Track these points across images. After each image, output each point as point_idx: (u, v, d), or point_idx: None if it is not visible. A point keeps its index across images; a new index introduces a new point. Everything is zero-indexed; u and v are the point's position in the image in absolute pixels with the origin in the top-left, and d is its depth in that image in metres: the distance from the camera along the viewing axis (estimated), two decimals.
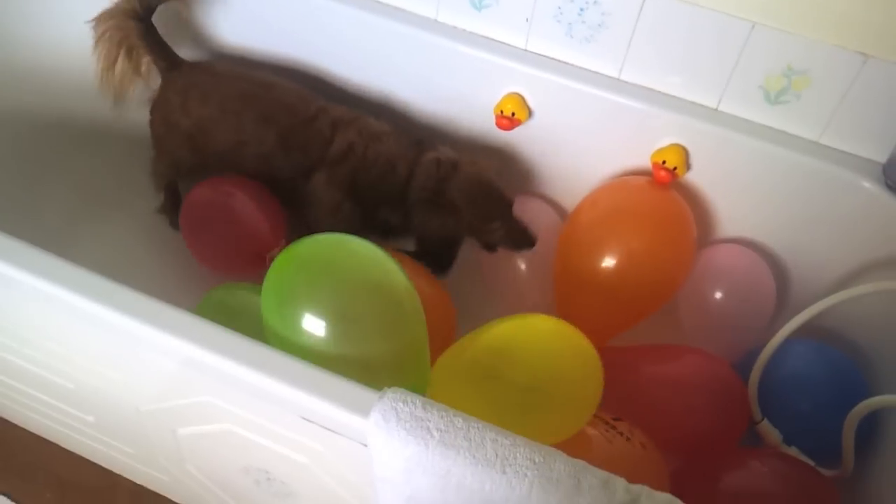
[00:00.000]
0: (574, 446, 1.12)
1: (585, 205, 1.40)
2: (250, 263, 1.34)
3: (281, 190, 1.38)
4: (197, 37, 1.57)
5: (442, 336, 1.21)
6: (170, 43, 1.44)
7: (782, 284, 1.42)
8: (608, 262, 1.30)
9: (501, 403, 1.03)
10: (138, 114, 1.48)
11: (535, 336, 1.11)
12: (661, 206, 1.34)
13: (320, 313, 1.00)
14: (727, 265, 1.38)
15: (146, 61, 1.44)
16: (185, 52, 1.49)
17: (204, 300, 1.24)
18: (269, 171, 1.37)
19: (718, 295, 1.33)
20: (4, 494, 1.35)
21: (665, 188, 1.34)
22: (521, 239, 1.33)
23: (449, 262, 1.43)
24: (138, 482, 1.38)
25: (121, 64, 1.42)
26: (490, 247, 1.36)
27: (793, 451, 1.18)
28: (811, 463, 1.16)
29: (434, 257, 1.40)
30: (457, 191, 1.29)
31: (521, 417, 1.02)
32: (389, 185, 1.33)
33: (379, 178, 1.33)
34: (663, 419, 1.20)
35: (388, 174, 1.33)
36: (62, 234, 1.45)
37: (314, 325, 0.99)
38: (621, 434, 1.12)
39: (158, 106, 1.43)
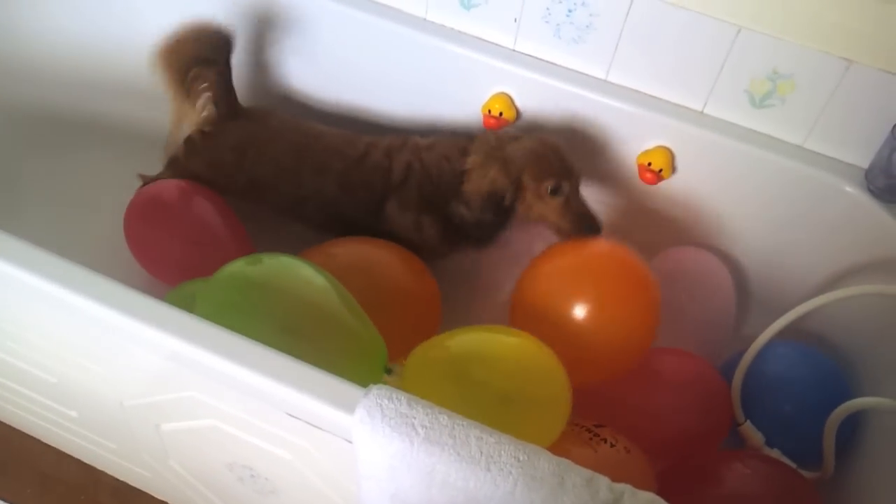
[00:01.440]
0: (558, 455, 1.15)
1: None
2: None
3: (355, 229, 1.33)
4: None
5: (426, 327, 1.22)
6: None
7: (764, 287, 1.44)
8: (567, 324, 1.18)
9: (474, 407, 1.01)
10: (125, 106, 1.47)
11: (509, 349, 1.11)
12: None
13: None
14: (683, 268, 1.39)
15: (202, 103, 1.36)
16: None
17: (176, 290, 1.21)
18: (337, 216, 1.35)
19: (681, 297, 1.34)
20: None
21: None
22: (584, 220, 1.25)
23: (492, 233, 1.34)
24: (120, 478, 1.37)
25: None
26: (553, 224, 1.27)
27: (775, 453, 1.20)
28: (793, 465, 1.17)
29: (480, 227, 1.33)
30: (519, 148, 1.26)
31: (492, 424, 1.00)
32: (449, 178, 1.30)
33: (439, 177, 1.31)
34: (646, 420, 1.20)
35: (446, 169, 1.30)
36: (46, 227, 1.43)
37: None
38: (605, 441, 1.11)
39: (205, 150, 1.36)
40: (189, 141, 1.36)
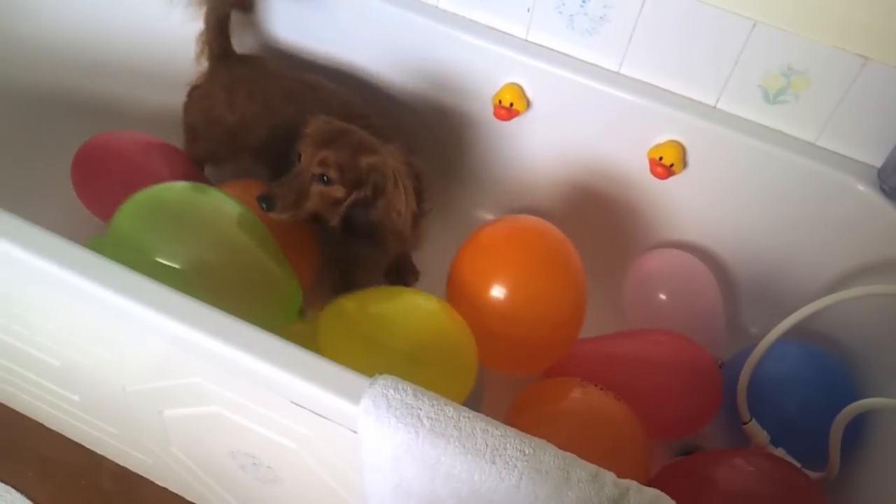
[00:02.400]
0: (549, 391, 1.18)
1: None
2: None
3: None
4: None
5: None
6: None
7: (772, 285, 1.43)
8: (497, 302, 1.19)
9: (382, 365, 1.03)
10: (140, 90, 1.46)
11: (418, 310, 1.15)
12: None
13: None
14: (667, 269, 1.39)
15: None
16: None
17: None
18: None
19: (663, 297, 1.35)
20: None
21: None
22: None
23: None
24: (121, 463, 1.37)
25: None
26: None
27: (780, 452, 1.19)
28: (797, 464, 1.16)
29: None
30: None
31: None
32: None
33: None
34: (635, 398, 1.19)
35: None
36: (54, 209, 1.42)
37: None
38: (595, 386, 1.16)
39: (200, 97, 1.40)
40: (188, 95, 1.41)
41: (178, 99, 1.44)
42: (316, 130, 1.17)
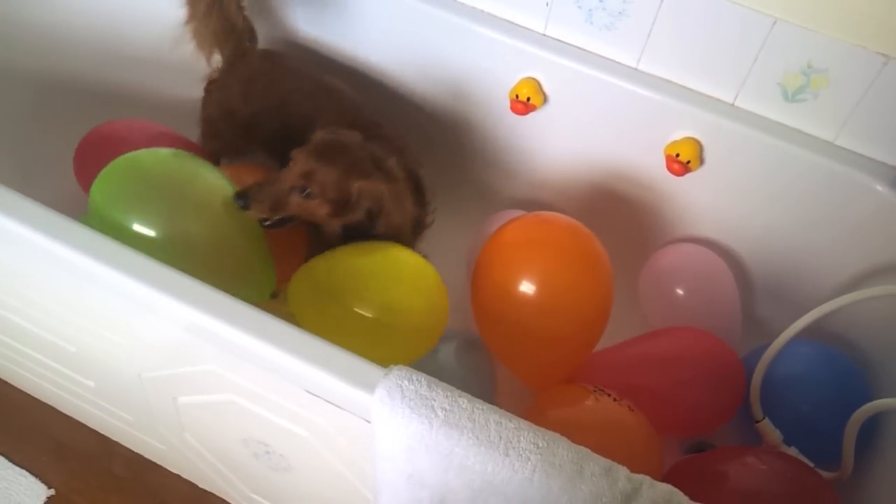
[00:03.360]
0: (560, 399, 1.18)
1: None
2: None
3: None
4: None
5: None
6: None
7: (788, 284, 1.42)
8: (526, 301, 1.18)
9: (347, 330, 1.08)
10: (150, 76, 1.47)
11: (384, 263, 1.15)
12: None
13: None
14: (684, 264, 1.39)
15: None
16: None
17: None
18: None
19: (680, 292, 1.35)
20: (2, 455, 1.35)
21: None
22: None
23: None
24: (135, 450, 1.38)
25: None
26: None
27: (793, 452, 1.18)
28: (810, 464, 1.15)
29: None
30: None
31: (367, 346, 1.01)
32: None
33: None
34: (657, 397, 1.21)
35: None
36: (68, 195, 1.43)
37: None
38: (608, 395, 1.15)
39: (217, 90, 1.41)
40: (205, 89, 1.41)
41: (188, 89, 1.44)
42: (317, 140, 1.15)
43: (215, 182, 1.15)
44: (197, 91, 1.43)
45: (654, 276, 1.39)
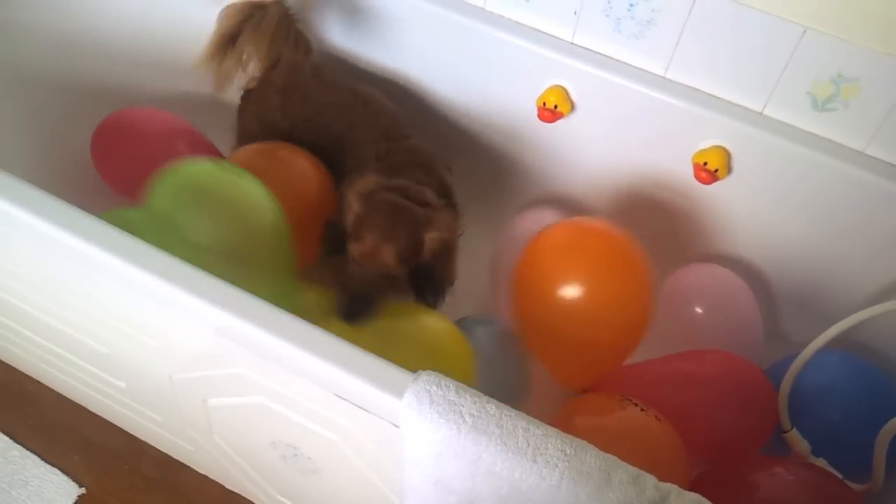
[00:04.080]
0: (587, 408, 1.18)
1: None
2: None
3: None
4: None
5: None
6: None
7: (816, 294, 1.41)
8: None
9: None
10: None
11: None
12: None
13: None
14: (702, 284, 1.38)
15: (249, 50, 1.41)
16: None
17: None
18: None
19: (699, 311, 1.34)
20: (35, 453, 1.37)
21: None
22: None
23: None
24: (163, 450, 1.40)
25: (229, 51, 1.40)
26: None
27: (821, 463, 1.17)
28: (839, 475, 1.14)
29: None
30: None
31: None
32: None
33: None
34: (688, 419, 1.19)
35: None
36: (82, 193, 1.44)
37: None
38: (636, 405, 1.14)
39: (255, 101, 1.42)
40: (242, 98, 1.43)
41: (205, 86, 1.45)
42: (370, 213, 1.11)
43: (261, 199, 1.17)
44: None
45: (672, 294, 1.38)
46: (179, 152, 1.40)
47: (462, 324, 1.23)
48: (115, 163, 1.45)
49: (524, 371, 1.27)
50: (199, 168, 1.17)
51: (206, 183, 1.15)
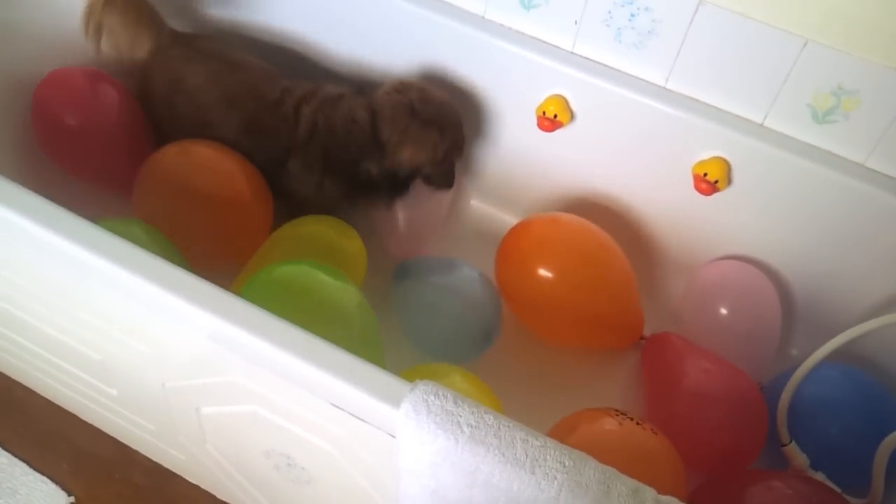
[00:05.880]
0: (583, 423, 1.16)
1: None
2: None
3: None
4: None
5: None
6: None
7: (815, 307, 1.40)
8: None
9: None
10: None
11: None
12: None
13: None
14: (728, 280, 1.38)
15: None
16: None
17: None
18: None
19: (724, 311, 1.33)
20: (23, 461, 1.35)
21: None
22: (451, 178, 1.41)
23: (404, 188, 1.41)
24: (155, 459, 1.38)
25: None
26: (429, 179, 1.40)
27: (820, 477, 1.16)
28: (838, 490, 1.13)
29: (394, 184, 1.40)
30: (437, 120, 1.34)
31: None
32: (359, 138, 1.34)
33: (347, 138, 1.34)
34: (685, 429, 1.20)
35: (354, 129, 1.34)
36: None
37: None
38: (631, 419, 1.14)
39: (139, 80, 1.43)
40: (135, 77, 1.43)
41: None
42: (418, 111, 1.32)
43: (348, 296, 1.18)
44: None
45: (698, 290, 1.38)
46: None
47: (450, 263, 1.37)
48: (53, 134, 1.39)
49: (498, 312, 1.35)
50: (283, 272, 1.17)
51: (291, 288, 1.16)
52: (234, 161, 1.33)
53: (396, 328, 1.33)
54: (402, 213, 1.43)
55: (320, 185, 1.36)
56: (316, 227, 1.33)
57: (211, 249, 1.31)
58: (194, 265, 1.14)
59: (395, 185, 1.38)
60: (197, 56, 1.40)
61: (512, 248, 1.36)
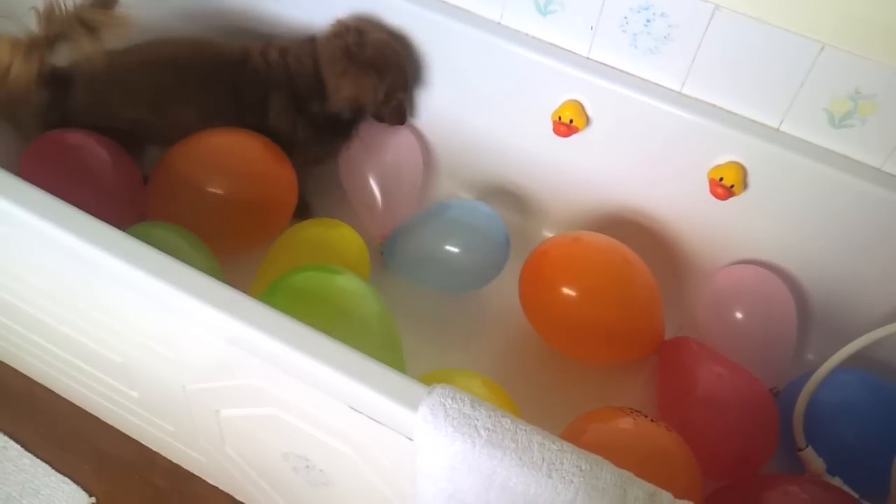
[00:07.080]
0: (599, 421, 1.17)
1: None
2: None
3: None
4: None
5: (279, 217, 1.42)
6: None
7: (831, 312, 1.40)
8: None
9: None
10: None
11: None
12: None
13: None
14: (745, 285, 1.38)
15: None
16: None
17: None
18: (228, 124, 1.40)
19: (740, 316, 1.34)
20: (46, 462, 1.37)
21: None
22: (402, 116, 1.48)
23: (350, 128, 1.48)
24: (174, 461, 1.40)
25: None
26: (380, 118, 1.47)
27: (836, 482, 1.16)
28: (855, 495, 1.13)
29: (344, 127, 1.47)
30: (377, 58, 1.39)
31: None
32: (307, 79, 1.40)
33: (299, 81, 1.40)
34: (696, 434, 1.19)
35: (303, 72, 1.40)
36: None
37: None
38: (646, 417, 1.15)
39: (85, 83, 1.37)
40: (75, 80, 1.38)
41: None
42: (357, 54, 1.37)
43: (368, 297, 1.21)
44: None
45: (714, 294, 1.38)
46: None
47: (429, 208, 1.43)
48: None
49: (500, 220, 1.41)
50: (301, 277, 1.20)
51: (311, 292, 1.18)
52: (245, 141, 1.37)
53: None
54: (378, 191, 1.46)
55: (295, 127, 1.42)
56: (315, 230, 1.37)
57: (240, 230, 1.38)
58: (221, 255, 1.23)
59: (342, 125, 1.46)
60: (127, 69, 1.37)
61: (535, 270, 1.36)
